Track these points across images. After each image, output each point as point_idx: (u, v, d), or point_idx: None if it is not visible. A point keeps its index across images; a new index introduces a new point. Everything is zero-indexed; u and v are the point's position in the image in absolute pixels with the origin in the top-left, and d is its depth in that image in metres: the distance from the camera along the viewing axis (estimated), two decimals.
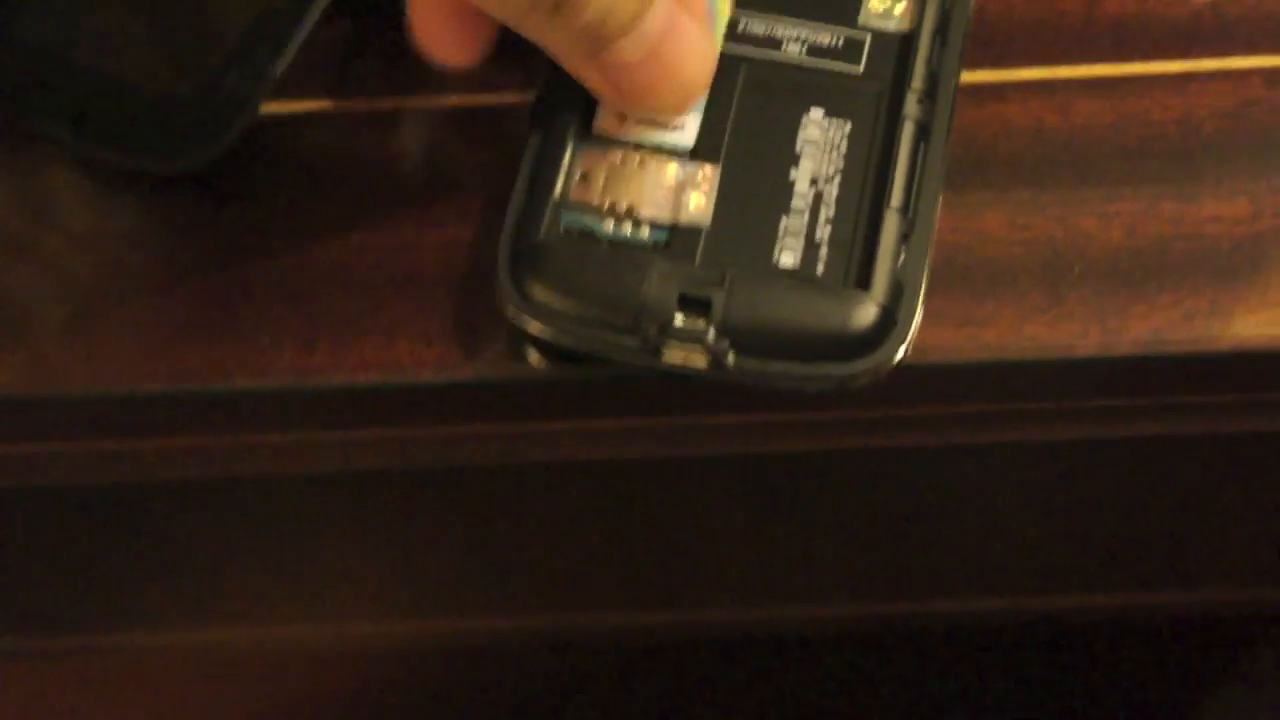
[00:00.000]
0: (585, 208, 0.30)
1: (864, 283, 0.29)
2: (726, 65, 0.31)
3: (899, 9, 0.32)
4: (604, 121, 0.31)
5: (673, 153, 0.30)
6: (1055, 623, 0.51)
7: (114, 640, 0.53)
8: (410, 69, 0.33)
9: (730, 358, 0.28)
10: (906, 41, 0.31)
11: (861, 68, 0.31)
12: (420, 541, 0.48)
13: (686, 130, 0.31)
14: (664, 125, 0.31)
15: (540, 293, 0.29)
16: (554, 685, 0.57)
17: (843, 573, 0.48)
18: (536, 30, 0.27)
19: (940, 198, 0.30)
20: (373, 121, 0.34)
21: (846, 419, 0.33)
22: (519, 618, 0.51)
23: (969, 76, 0.33)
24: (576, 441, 0.34)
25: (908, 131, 0.30)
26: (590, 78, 0.29)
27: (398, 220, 0.33)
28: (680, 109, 0.30)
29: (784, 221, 0.30)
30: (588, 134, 0.31)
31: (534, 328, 0.29)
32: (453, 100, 0.34)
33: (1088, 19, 0.33)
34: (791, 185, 0.30)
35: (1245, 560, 0.46)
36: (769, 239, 0.29)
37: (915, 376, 0.31)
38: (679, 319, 0.28)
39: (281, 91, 0.33)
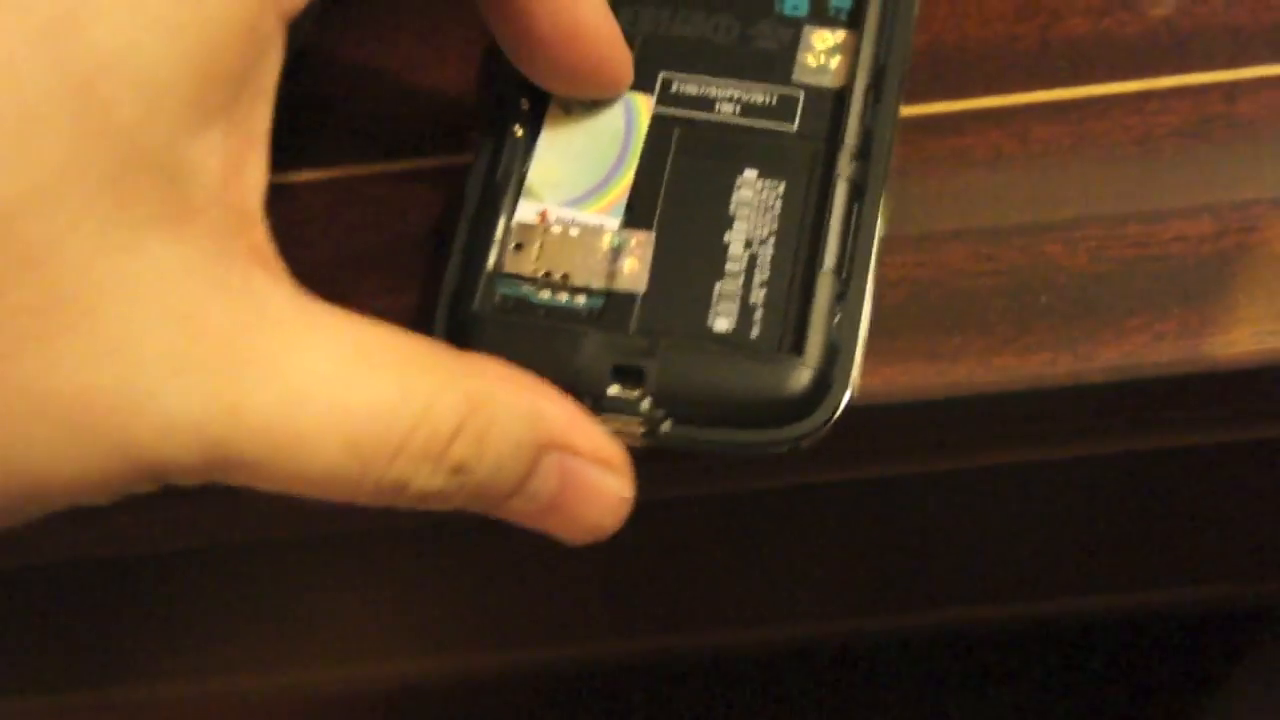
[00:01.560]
0: (521, 277, 0.30)
1: (798, 346, 0.29)
2: (659, 128, 0.31)
3: (834, 63, 0.31)
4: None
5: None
6: (1048, 628, 0.51)
7: (115, 695, 0.53)
8: (322, 133, 0.32)
9: (665, 426, 0.28)
10: (840, 98, 0.31)
11: (795, 126, 0.31)
12: (412, 584, 0.48)
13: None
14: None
15: None
16: (549, 715, 0.57)
17: (831, 592, 0.48)
18: (437, 500, 0.25)
19: (873, 257, 0.29)
20: (286, 192, 0.33)
21: (824, 453, 0.32)
22: (511, 652, 0.51)
23: (924, 109, 0.32)
24: None
25: (841, 190, 0.30)
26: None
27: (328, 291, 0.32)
28: (594, 539, 0.28)
29: (718, 286, 0.29)
30: (518, 201, 0.31)
31: None
32: (381, 166, 0.34)
33: (1042, 42, 0.33)
34: (726, 248, 0.30)
35: (1245, 558, 0.46)
36: (703, 303, 0.29)
37: (887, 414, 0.31)
38: (613, 389, 0.28)
39: None
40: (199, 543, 0.35)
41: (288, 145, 0.32)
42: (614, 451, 0.27)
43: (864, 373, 0.29)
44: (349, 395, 0.23)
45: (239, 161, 0.24)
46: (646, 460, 0.32)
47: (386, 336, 0.24)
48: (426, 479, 0.24)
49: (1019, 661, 0.55)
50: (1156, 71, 0.33)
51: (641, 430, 0.28)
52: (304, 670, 0.53)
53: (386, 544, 0.46)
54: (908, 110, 0.32)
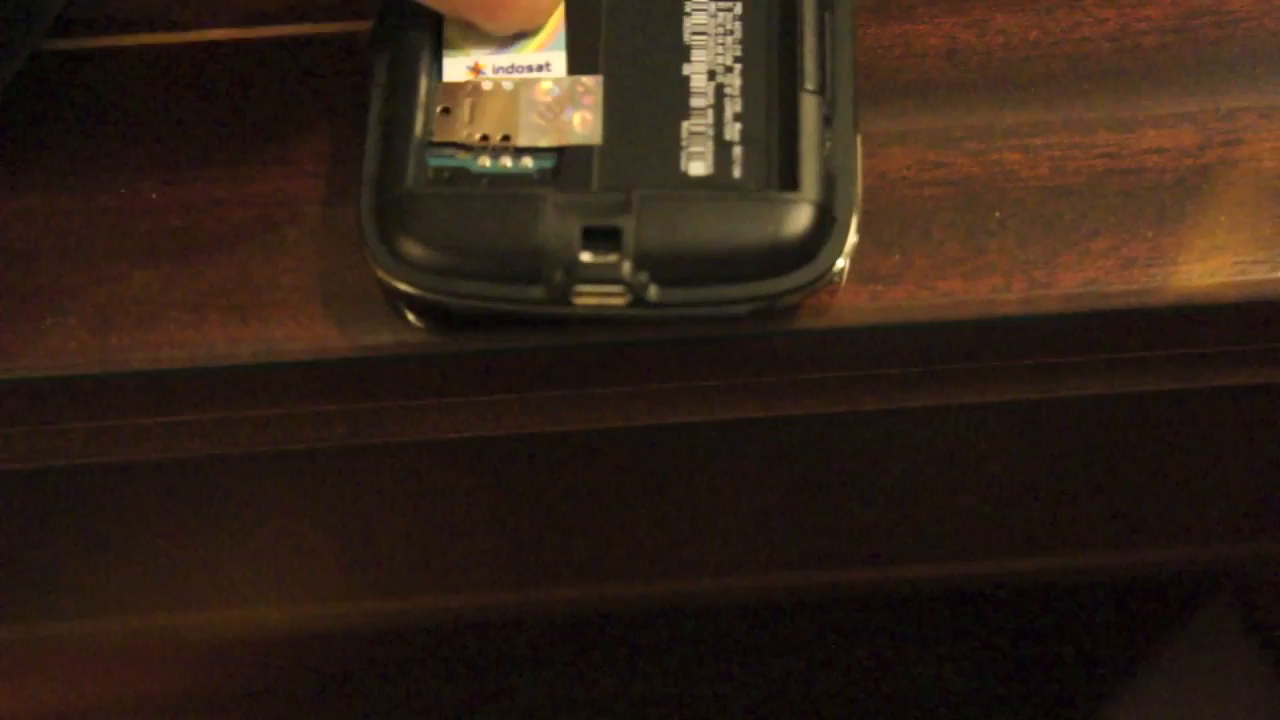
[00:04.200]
0: (455, 145, 0.27)
1: (790, 181, 0.26)
2: None
3: None
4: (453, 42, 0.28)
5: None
6: (995, 586, 0.50)
7: (47, 630, 0.51)
8: None
9: (652, 290, 0.26)
10: None
11: None
12: (298, 525, 0.45)
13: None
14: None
15: (416, 249, 0.26)
16: (471, 665, 0.56)
17: (754, 543, 0.45)
18: None
19: (856, 70, 0.28)
20: (184, 56, 0.30)
21: (741, 385, 0.31)
22: (406, 600, 0.49)
23: None
24: (462, 418, 0.31)
25: (808, 2, 0.28)
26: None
27: (215, 171, 0.29)
28: (525, 28, 0.27)
29: (685, 125, 0.27)
30: (439, 59, 0.28)
31: (415, 289, 0.26)
32: (275, 30, 0.31)
33: None
34: (686, 81, 0.28)
35: (1190, 519, 0.44)
36: (672, 147, 0.27)
37: (814, 341, 0.28)
38: (585, 255, 0.26)
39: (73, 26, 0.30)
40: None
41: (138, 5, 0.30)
42: None
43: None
44: None
45: None
46: (560, 386, 0.30)
47: None
48: None
49: (950, 626, 0.55)
50: None
51: (626, 300, 0.26)
52: (243, 611, 0.51)
53: (265, 478, 0.44)
54: None
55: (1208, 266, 0.28)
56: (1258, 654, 0.51)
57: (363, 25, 0.30)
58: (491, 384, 0.30)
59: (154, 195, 0.29)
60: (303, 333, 0.28)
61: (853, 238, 0.26)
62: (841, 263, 0.26)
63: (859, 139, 0.27)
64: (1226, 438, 0.40)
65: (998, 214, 0.28)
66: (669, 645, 0.56)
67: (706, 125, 0.27)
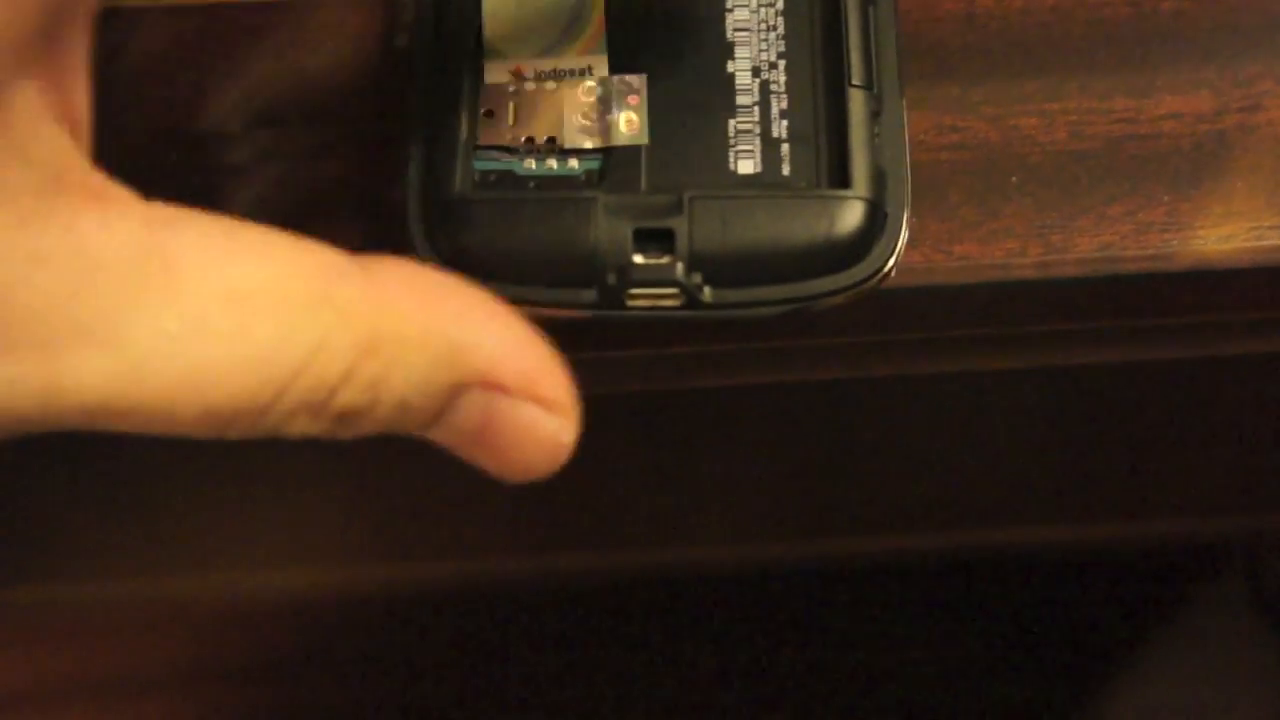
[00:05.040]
0: (499, 148, 0.27)
1: (841, 178, 0.26)
2: None
3: None
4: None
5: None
6: (1000, 557, 0.50)
7: (54, 593, 0.51)
8: None
9: (706, 292, 0.26)
10: None
11: None
12: (304, 489, 0.45)
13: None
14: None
15: (467, 254, 0.26)
16: (477, 632, 0.56)
17: (764, 509, 0.45)
18: (326, 435, 0.23)
19: (898, 65, 0.27)
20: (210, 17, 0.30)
21: (753, 351, 0.30)
22: (413, 564, 0.48)
23: None
24: None
25: None
26: None
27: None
28: (527, 479, 0.26)
29: (732, 123, 0.27)
30: (480, 62, 0.27)
31: None
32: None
33: None
34: (731, 79, 0.27)
35: (1201, 492, 0.44)
36: (720, 146, 0.27)
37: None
38: (638, 258, 0.26)
39: None
40: None
41: None
42: (553, 388, 0.24)
43: None
44: (208, 354, 0.21)
45: (41, 103, 0.21)
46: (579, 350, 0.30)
47: (273, 264, 0.21)
48: (305, 426, 0.22)
49: (955, 600, 0.54)
50: None
51: (680, 302, 0.25)
52: (234, 575, 0.50)
53: (278, 441, 0.43)
54: None
55: (1223, 232, 0.28)
56: (1264, 628, 0.51)
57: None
58: None
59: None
60: None
61: (905, 234, 0.26)
62: (898, 252, 0.26)
63: (906, 133, 0.27)
64: (1241, 407, 0.40)
65: (1014, 179, 0.28)
66: (673, 616, 0.56)
67: (753, 123, 0.27)
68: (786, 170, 0.26)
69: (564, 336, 0.29)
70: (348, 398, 0.22)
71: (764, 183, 0.26)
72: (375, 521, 0.48)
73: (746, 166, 0.27)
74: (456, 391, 0.23)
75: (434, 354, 0.23)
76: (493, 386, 0.23)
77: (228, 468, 0.45)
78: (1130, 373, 0.38)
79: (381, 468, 0.45)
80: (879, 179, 0.26)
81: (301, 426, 0.22)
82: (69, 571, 0.50)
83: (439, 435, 0.24)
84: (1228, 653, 0.52)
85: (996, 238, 0.28)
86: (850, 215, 0.26)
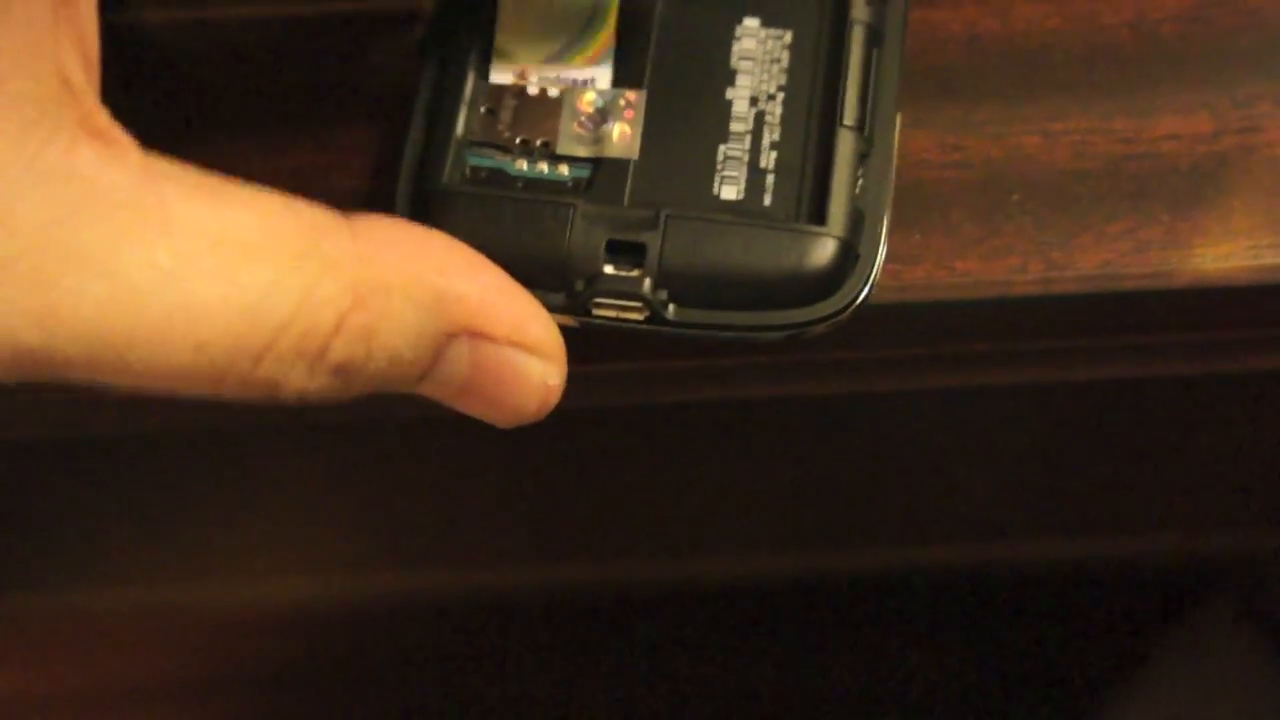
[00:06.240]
0: (493, 145, 0.28)
1: (818, 215, 0.26)
2: None
3: None
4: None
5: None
6: (998, 571, 0.50)
7: (60, 601, 0.51)
8: None
9: (670, 309, 0.26)
10: None
11: None
12: (310, 496, 0.45)
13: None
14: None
15: None
16: (477, 644, 0.56)
17: (767, 523, 0.45)
18: (322, 397, 0.23)
19: (898, 112, 0.27)
20: (234, 30, 0.30)
21: (757, 365, 0.30)
22: (419, 574, 0.49)
23: None
24: None
25: (857, 37, 0.27)
26: None
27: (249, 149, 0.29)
28: (519, 423, 0.26)
29: (722, 149, 0.27)
30: (488, 61, 0.28)
31: None
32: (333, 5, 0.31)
33: None
34: (729, 106, 0.27)
35: (1199, 508, 0.44)
36: (706, 169, 0.27)
37: None
38: (609, 268, 0.26)
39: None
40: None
41: None
42: (539, 333, 0.24)
43: None
44: (198, 291, 0.21)
45: (53, 19, 0.20)
46: (581, 363, 0.30)
47: (262, 217, 0.22)
48: (302, 379, 0.22)
49: (951, 615, 0.54)
50: None
51: (643, 315, 0.26)
52: (233, 583, 0.50)
53: (284, 449, 0.44)
54: None
55: (1222, 250, 0.28)
56: (1259, 645, 0.51)
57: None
58: None
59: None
60: None
61: (876, 274, 0.26)
62: (862, 297, 0.26)
63: (892, 178, 0.27)
64: (1240, 423, 0.40)
65: (1016, 197, 0.28)
66: (675, 629, 0.55)
67: (743, 151, 0.27)
68: (768, 200, 0.27)
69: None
70: (342, 348, 0.22)
71: (743, 210, 0.26)
72: (379, 531, 0.48)
73: (729, 192, 0.27)
74: (445, 340, 0.23)
75: (421, 304, 0.23)
76: (479, 334, 0.24)
77: (233, 477, 0.45)
78: (1129, 389, 0.38)
79: (385, 478, 0.45)
80: (855, 220, 0.26)
81: (300, 380, 0.22)
82: (74, 581, 0.50)
83: (429, 389, 0.24)
84: (1224, 668, 0.52)
85: (998, 255, 0.28)
86: (820, 252, 0.26)
